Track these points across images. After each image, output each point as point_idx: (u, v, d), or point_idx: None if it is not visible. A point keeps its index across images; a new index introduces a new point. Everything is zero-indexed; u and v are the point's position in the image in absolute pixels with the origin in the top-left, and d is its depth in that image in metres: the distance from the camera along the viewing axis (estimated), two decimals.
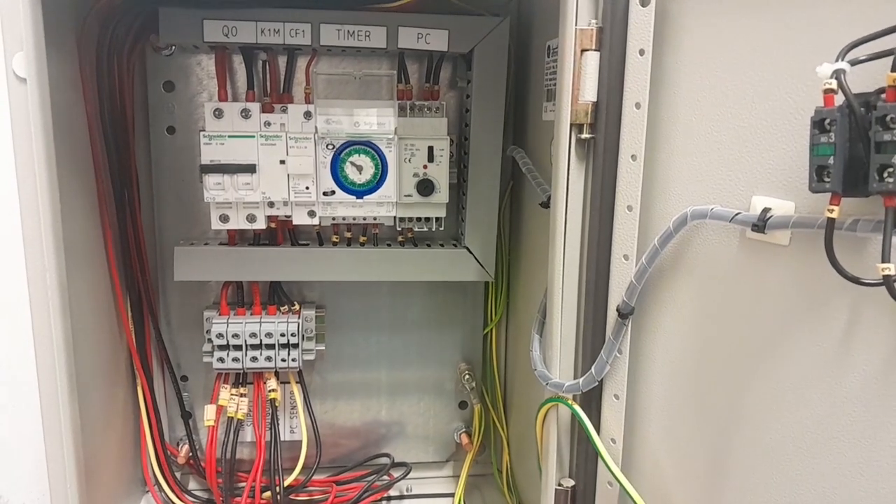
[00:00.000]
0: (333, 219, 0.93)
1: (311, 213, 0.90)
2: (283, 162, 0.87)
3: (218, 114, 0.86)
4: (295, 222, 0.91)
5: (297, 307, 0.97)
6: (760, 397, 0.54)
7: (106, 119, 0.84)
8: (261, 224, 0.90)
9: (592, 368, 0.67)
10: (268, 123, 0.87)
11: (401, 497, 1.06)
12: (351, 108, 0.89)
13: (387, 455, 1.07)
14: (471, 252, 0.95)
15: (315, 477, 1.00)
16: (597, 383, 0.68)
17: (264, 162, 0.87)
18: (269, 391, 0.97)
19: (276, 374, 0.98)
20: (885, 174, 0.41)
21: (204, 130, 0.86)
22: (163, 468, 0.97)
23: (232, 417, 0.96)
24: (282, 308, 0.97)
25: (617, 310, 0.66)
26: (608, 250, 0.67)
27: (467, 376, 1.06)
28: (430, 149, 0.90)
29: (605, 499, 0.71)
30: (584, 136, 0.66)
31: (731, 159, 0.56)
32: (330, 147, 0.88)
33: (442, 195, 0.91)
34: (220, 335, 0.93)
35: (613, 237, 0.66)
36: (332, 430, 1.07)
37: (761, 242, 0.53)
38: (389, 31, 0.86)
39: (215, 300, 0.99)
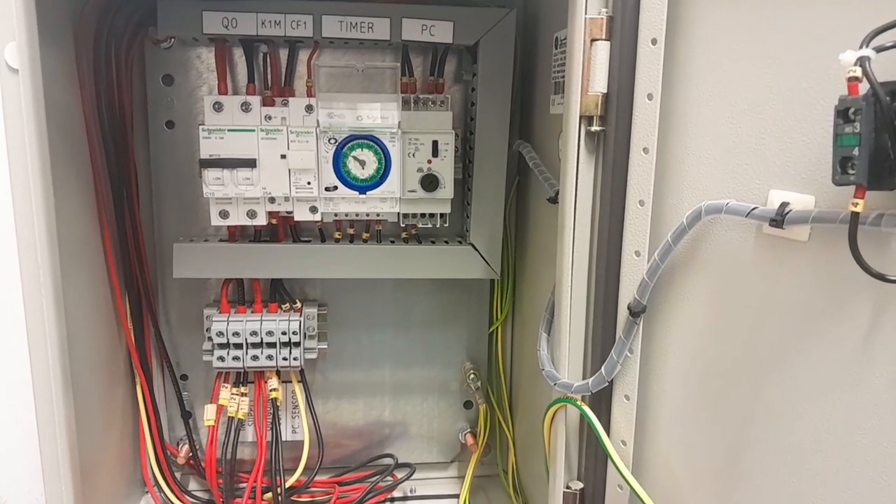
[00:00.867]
0: (336, 215, 0.91)
1: (313, 209, 0.88)
2: (284, 156, 0.85)
3: (217, 107, 0.85)
4: (296, 218, 0.89)
5: (298, 305, 0.96)
6: (778, 399, 0.52)
7: (103, 113, 0.83)
8: (261, 220, 0.88)
9: (602, 368, 0.66)
10: (268, 117, 0.85)
11: (405, 498, 1.05)
12: (354, 102, 0.87)
13: (390, 456, 1.06)
14: (476, 249, 0.94)
15: (317, 478, 0.99)
16: (607, 384, 0.66)
17: (265, 156, 0.85)
18: (271, 390, 0.96)
19: (278, 373, 0.97)
20: None
21: (203, 124, 0.84)
22: (162, 468, 0.96)
23: (232, 417, 0.95)
24: (283, 306, 0.95)
25: (628, 308, 0.64)
26: (619, 247, 0.65)
27: (472, 376, 1.04)
28: (435, 143, 0.88)
29: (615, 502, 0.70)
30: (594, 128, 0.64)
31: (747, 152, 0.54)
32: (332, 141, 0.87)
33: (447, 191, 0.90)
34: (220, 333, 0.91)
35: (624, 233, 0.64)
36: (334, 430, 1.06)
37: (779, 238, 0.51)
38: (393, 23, 0.84)
39: (215, 298, 0.98)
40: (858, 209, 0.43)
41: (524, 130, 0.95)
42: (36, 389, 0.69)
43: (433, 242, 0.96)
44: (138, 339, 0.92)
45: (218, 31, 0.82)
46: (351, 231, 0.94)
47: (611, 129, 0.63)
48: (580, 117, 0.64)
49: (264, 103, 0.86)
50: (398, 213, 0.91)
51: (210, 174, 0.84)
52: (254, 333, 0.92)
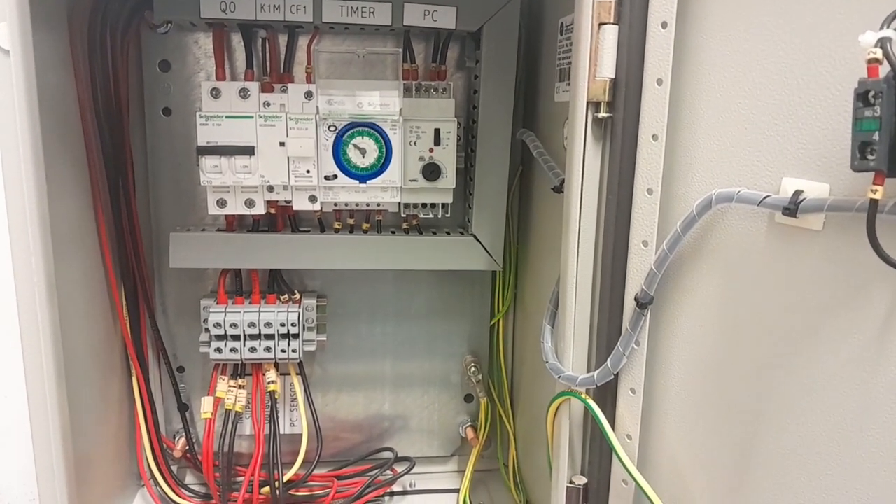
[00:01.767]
0: (335, 204, 0.90)
1: (312, 199, 0.87)
2: (282, 144, 0.84)
3: (215, 93, 0.83)
4: (295, 208, 0.88)
5: (297, 296, 0.95)
6: (789, 392, 0.51)
7: (99, 99, 0.82)
8: (260, 209, 0.87)
9: (608, 361, 0.64)
10: (267, 104, 0.84)
11: (404, 492, 1.04)
12: (354, 89, 0.86)
13: (390, 449, 1.04)
14: (478, 240, 0.92)
15: (316, 471, 0.98)
16: (612, 377, 0.65)
17: (263, 144, 0.83)
18: (269, 383, 0.95)
19: (276, 365, 0.95)
20: None
21: (201, 111, 0.83)
22: (158, 462, 0.95)
23: (230, 410, 0.94)
24: (282, 297, 0.94)
25: (635, 299, 0.62)
26: (626, 236, 0.63)
27: (473, 369, 1.03)
28: (437, 131, 0.87)
29: (619, 497, 0.68)
30: (602, 114, 0.62)
31: (759, 138, 0.52)
32: (332, 129, 0.85)
33: (448, 180, 0.88)
34: (217, 325, 0.90)
35: (632, 222, 0.63)
36: (333, 424, 1.05)
37: (792, 227, 0.50)
38: (395, 8, 0.83)
39: (213, 288, 0.96)
40: (878, 196, 0.41)
41: (528, 119, 0.93)
42: (29, 382, 0.68)
43: (434, 233, 0.94)
44: (134, 331, 0.91)
45: (216, 16, 0.80)
46: (351, 221, 0.93)
47: (619, 116, 0.62)
48: (587, 103, 0.62)
49: (263, 89, 0.84)
50: (399, 203, 0.90)
51: (207, 162, 0.83)
52: (252, 325, 0.91)
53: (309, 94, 0.84)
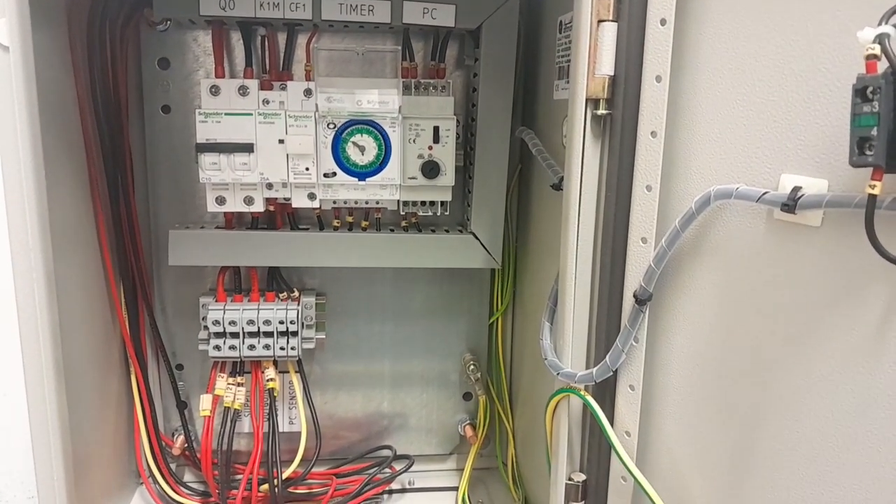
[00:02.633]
0: (334, 202, 0.90)
1: (312, 196, 0.87)
2: (281, 141, 0.84)
3: (214, 91, 0.83)
4: (294, 205, 0.88)
5: (296, 294, 0.95)
6: (788, 389, 0.51)
7: (98, 97, 0.82)
8: (259, 207, 0.87)
9: (607, 358, 0.64)
10: (266, 101, 0.84)
11: (403, 490, 1.04)
12: (353, 86, 0.86)
13: (389, 447, 1.05)
14: (477, 238, 0.92)
15: (314, 469, 0.98)
16: (611, 373, 0.65)
17: (263, 141, 0.83)
18: (268, 380, 0.95)
19: (275, 362, 0.95)
20: None
21: (200, 108, 0.83)
22: (157, 459, 0.94)
23: (229, 407, 0.94)
24: (280, 295, 0.94)
25: (634, 296, 0.62)
26: (625, 233, 0.63)
27: (472, 367, 1.03)
28: (436, 129, 0.87)
29: (618, 494, 0.68)
30: (601, 112, 0.62)
31: (758, 135, 0.52)
32: (331, 126, 0.85)
33: (448, 178, 0.88)
34: (216, 322, 0.90)
35: (631, 219, 0.63)
36: (332, 422, 1.05)
37: (790, 223, 0.50)
38: (394, 6, 0.83)
39: (212, 286, 0.96)
40: (876, 192, 0.42)
41: (527, 117, 0.94)
42: (28, 379, 0.68)
43: (433, 231, 0.94)
44: (133, 328, 0.91)
45: (215, 13, 0.80)
46: (350, 219, 0.93)
47: (618, 113, 0.62)
48: (586, 101, 0.62)
49: (262, 87, 0.84)
50: (398, 201, 0.90)
51: (206, 159, 0.83)
52: (251, 322, 0.90)
53: (308, 92, 0.84)
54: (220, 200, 0.86)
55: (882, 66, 0.40)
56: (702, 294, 0.59)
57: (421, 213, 0.92)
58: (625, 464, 0.64)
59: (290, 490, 0.97)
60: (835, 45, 0.46)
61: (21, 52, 0.60)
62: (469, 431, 1.05)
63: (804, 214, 0.48)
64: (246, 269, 0.95)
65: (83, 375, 0.78)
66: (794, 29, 0.49)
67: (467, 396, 1.07)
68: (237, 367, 0.95)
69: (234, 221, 0.91)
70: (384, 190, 0.88)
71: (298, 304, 0.93)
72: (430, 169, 0.87)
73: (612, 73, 0.61)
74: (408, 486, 1.04)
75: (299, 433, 0.96)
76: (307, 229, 0.92)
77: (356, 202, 0.90)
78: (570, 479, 0.71)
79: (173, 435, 0.99)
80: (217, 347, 0.91)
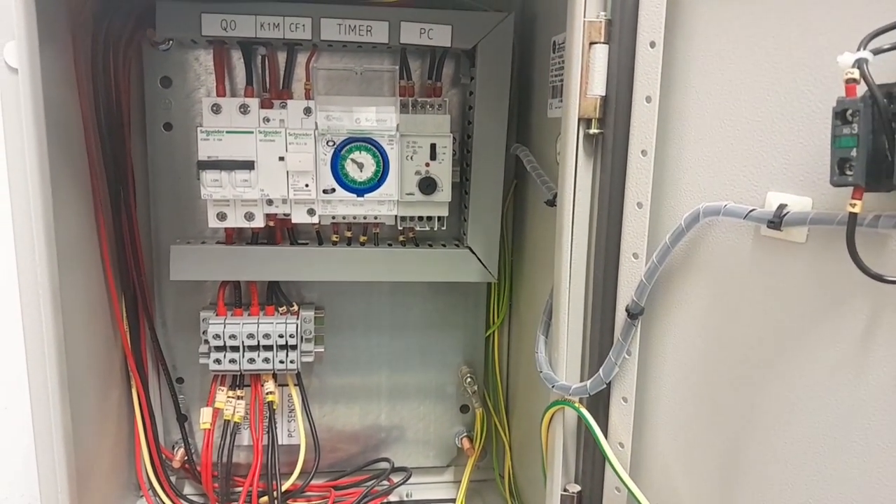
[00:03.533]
0: (333, 217, 0.91)
1: (311, 212, 0.88)
2: (282, 159, 0.85)
3: (216, 109, 0.84)
4: (294, 221, 0.89)
5: (295, 308, 0.96)
6: (776, 400, 0.52)
7: (101, 114, 0.83)
8: (259, 222, 0.88)
9: (601, 370, 0.66)
10: (267, 119, 0.85)
11: (401, 503, 1.04)
12: (352, 105, 0.87)
13: (386, 460, 1.05)
14: (473, 252, 0.94)
15: (313, 482, 0.99)
16: (605, 386, 0.66)
17: (263, 158, 0.85)
18: (267, 394, 0.95)
19: (274, 376, 0.96)
20: None
21: (202, 126, 0.84)
22: (157, 472, 0.95)
23: (228, 420, 0.95)
24: (280, 309, 0.95)
25: (626, 310, 0.64)
26: (617, 249, 0.65)
27: (469, 379, 1.04)
28: (433, 146, 0.88)
29: None
30: (593, 131, 0.64)
31: (744, 154, 0.54)
32: (330, 144, 0.87)
33: (444, 194, 0.90)
34: (216, 336, 0.91)
35: (622, 235, 0.64)
36: (330, 434, 1.05)
37: (776, 240, 0.52)
38: (391, 26, 0.84)
39: (212, 300, 0.97)
40: (856, 210, 0.43)
41: (521, 134, 0.95)
42: (32, 391, 0.69)
43: (430, 245, 0.96)
44: (134, 342, 0.91)
45: (217, 33, 0.82)
46: (348, 234, 0.94)
47: (609, 132, 0.63)
48: (579, 120, 0.64)
49: (263, 105, 0.86)
50: (396, 216, 0.91)
51: (208, 176, 0.84)
52: (250, 336, 0.91)
53: (308, 110, 0.86)
54: (221, 216, 0.87)
55: (861, 89, 0.42)
56: (692, 308, 0.61)
57: (418, 228, 0.94)
58: (619, 475, 0.65)
59: (290, 502, 0.97)
60: (817, 68, 0.48)
61: (29, 73, 0.62)
62: (466, 444, 1.06)
63: (790, 231, 0.50)
64: (246, 283, 0.96)
65: (85, 388, 0.79)
66: (779, 53, 0.51)
67: (464, 409, 1.08)
68: (237, 381, 0.96)
69: (234, 237, 0.92)
70: (382, 206, 0.90)
71: (297, 318, 0.94)
72: (427, 185, 0.89)
73: (603, 94, 0.63)
74: (405, 499, 1.04)
75: (298, 446, 0.97)
76: (306, 244, 0.93)
77: (355, 217, 0.91)
78: (565, 490, 0.72)
79: (173, 448, 1.00)
80: (217, 361, 0.92)
